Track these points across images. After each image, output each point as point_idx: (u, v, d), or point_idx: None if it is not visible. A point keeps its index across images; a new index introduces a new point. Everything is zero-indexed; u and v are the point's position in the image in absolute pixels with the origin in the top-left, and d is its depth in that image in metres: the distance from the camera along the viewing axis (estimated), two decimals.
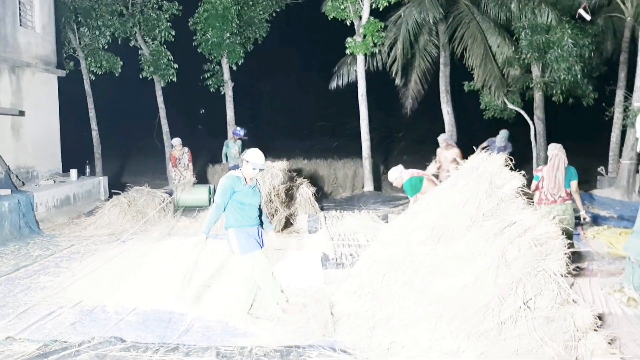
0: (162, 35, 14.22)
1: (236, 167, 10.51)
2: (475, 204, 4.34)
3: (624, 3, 12.06)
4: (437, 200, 4.66)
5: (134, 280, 5.76)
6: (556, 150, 6.74)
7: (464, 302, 3.88)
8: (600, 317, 4.66)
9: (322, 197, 12.38)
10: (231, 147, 11.76)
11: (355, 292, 4.70)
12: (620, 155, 11.86)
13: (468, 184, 4.49)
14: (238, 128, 11.99)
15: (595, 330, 3.89)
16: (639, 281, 5.39)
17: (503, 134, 10.42)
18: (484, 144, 10.28)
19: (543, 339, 3.62)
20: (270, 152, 13.71)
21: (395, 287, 4.37)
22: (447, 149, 9.08)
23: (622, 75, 12.77)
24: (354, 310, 4.58)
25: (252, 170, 4.86)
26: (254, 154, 4.89)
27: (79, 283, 5.83)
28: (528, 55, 12.03)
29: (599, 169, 12.53)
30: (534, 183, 6.76)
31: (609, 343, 3.88)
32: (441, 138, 9.46)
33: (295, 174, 9.91)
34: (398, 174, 6.81)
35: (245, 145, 11.90)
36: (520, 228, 4.14)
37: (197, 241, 4.73)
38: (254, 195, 4.95)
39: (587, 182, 13.47)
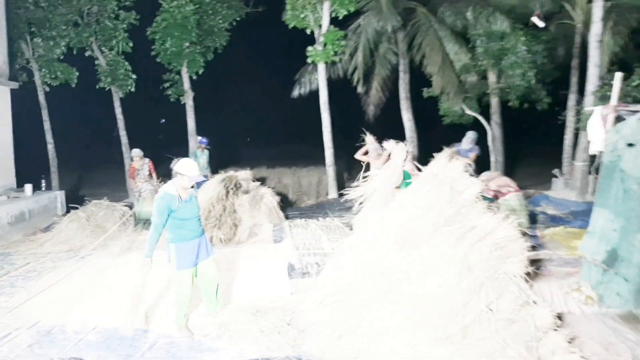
0: (120, 45, 13.94)
1: (205, 177, 10.39)
2: (437, 210, 4.41)
3: (574, 10, 12.54)
4: (400, 208, 4.71)
5: (94, 298, 5.61)
6: None
7: (429, 307, 3.92)
8: (559, 317, 4.79)
9: (287, 205, 12.35)
10: (199, 156, 11.63)
11: (321, 301, 4.69)
12: (573, 158, 12.28)
13: (429, 190, 4.57)
14: (199, 137, 11.90)
15: (555, 329, 3.99)
16: (595, 280, 5.57)
17: (470, 135, 10.08)
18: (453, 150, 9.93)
19: (506, 341, 3.70)
20: (234, 161, 13.66)
21: (361, 294, 4.38)
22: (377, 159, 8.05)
23: (574, 80, 13.22)
24: (321, 320, 4.56)
25: (188, 182, 4.74)
26: (188, 166, 4.73)
27: (35, 302, 5.62)
28: (484, 62, 12.38)
29: (553, 171, 12.92)
30: None
31: (569, 342, 3.99)
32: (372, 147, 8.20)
33: (259, 183, 9.85)
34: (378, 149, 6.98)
35: (211, 155, 11.80)
36: (481, 232, 4.23)
37: (142, 265, 4.61)
38: (192, 208, 4.84)
39: (542, 183, 13.90)
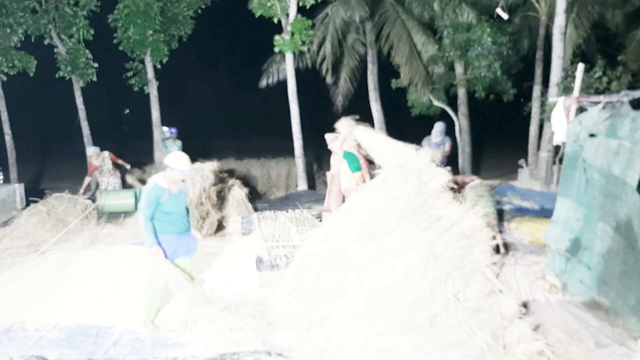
0: (80, 33, 13.46)
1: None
2: (404, 201, 4.41)
3: (538, 3, 12.75)
4: (367, 198, 4.70)
5: (56, 294, 5.43)
6: None
7: (396, 297, 3.93)
8: (525, 305, 4.87)
9: (256, 197, 12.24)
10: (170, 146, 11.40)
11: (290, 293, 4.66)
12: (538, 148, 12.54)
13: (396, 181, 4.57)
14: (165, 128, 11.68)
15: (520, 318, 4.05)
16: (559, 268, 5.70)
17: (438, 127, 9.74)
18: (422, 144, 9.68)
19: (472, 330, 3.73)
20: (201, 152, 13.45)
21: (330, 286, 4.36)
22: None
23: (538, 71, 13.48)
24: (290, 312, 4.53)
25: (178, 176, 4.65)
26: (179, 159, 4.63)
27: None
28: (451, 54, 12.48)
29: (519, 162, 13.17)
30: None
31: (534, 330, 4.06)
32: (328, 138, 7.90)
33: (227, 174, 9.71)
34: (335, 138, 6.91)
35: (184, 146, 11.57)
36: (447, 222, 4.26)
37: (153, 254, 4.51)
38: (180, 202, 4.76)
39: (508, 174, 14.16)
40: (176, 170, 4.60)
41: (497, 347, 3.77)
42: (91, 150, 10.52)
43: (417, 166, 4.72)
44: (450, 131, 13.78)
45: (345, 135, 6.42)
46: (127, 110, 32.51)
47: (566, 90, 9.53)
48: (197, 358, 3.98)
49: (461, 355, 3.66)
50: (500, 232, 7.39)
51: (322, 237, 4.79)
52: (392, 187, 4.60)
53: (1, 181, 11.19)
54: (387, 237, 4.35)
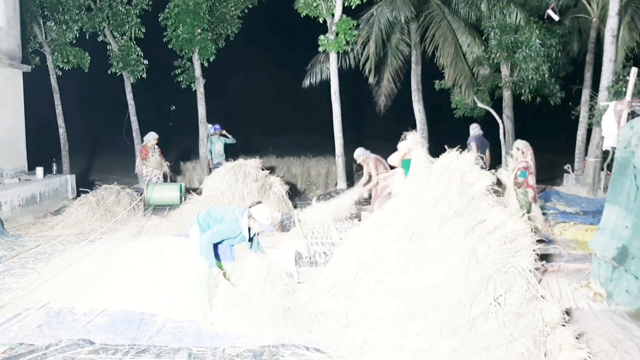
0: (132, 30, 13.93)
1: (219, 164, 10.47)
2: (446, 202, 4.37)
3: (589, 4, 12.38)
4: (409, 199, 4.69)
5: (103, 281, 5.64)
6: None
7: (435, 299, 3.91)
8: (567, 313, 4.76)
9: (295, 195, 12.37)
10: (215, 142, 11.70)
11: (328, 290, 4.69)
12: (586, 154, 12.18)
13: (440, 182, 4.53)
14: (210, 125, 11.97)
15: (563, 325, 3.96)
16: (604, 277, 5.54)
17: (474, 127, 10.47)
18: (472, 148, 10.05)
19: (513, 335, 3.68)
20: (243, 150, 13.66)
21: (368, 285, 4.38)
22: (365, 164, 8.60)
23: (587, 75, 13.09)
24: (328, 309, 4.57)
25: (256, 227, 4.85)
26: (262, 213, 4.79)
27: (45, 284, 5.66)
28: (497, 55, 12.25)
29: (565, 167, 12.83)
30: (520, 179, 6.93)
31: (577, 338, 3.97)
32: (357, 154, 8.76)
33: (268, 172, 9.86)
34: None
35: (227, 145, 11.86)
36: (491, 225, 4.20)
37: (214, 276, 4.75)
38: (242, 242, 5.01)
39: (553, 179, 13.80)
40: (257, 223, 4.80)
41: (538, 354, 3.72)
42: (154, 134, 10.87)
43: (461, 167, 4.67)
44: (494, 134, 13.57)
45: (407, 150, 6.63)
46: (174, 107, 33.28)
47: (617, 94, 9.23)
48: (237, 349, 4.07)
49: (500, 359, 3.62)
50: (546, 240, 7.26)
51: (361, 236, 4.80)
52: (435, 188, 4.57)
53: (54, 171, 11.67)
54: (428, 239, 4.33)
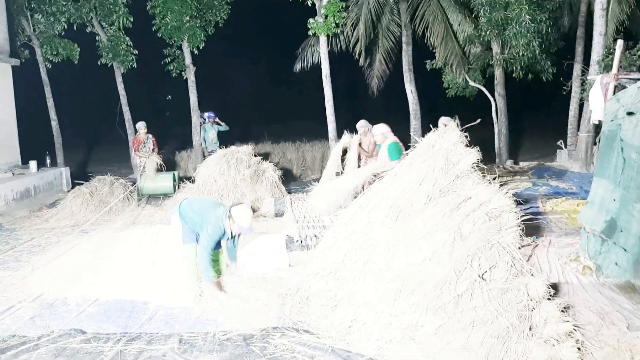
0: (120, 20, 13.79)
1: (213, 152, 10.47)
2: (431, 181, 4.39)
3: None
4: (395, 179, 4.71)
5: (96, 271, 5.68)
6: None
7: (422, 277, 3.94)
8: (556, 286, 4.83)
9: (291, 180, 12.39)
10: (208, 130, 11.69)
11: (317, 272, 4.73)
12: (578, 129, 12.17)
13: (425, 161, 4.55)
14: (206, 113, 11.93)
15: (549, 299, 4.00)
16: (593, 250, 5.58)
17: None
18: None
19: (498, 310, 3.71)
20: (239, 137, 13.66)
21: (356, 265, 4.41)
22: (365, 136, 8.31)
23: (579, 49, 13.03)
24: (317, 291, 4.61)
25: (236, 229, 4.95)
26: (241, 215, 4.86)
27: (39, 276, 5.70)
28: (487, 33, 12.18)
29: (558, 143, 12.84)
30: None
31: (563, 311, 4.00)
32: (360, 124, 8.46)
33: (261, 157, 9.87)
34: (386, 131, 7.34)
35: (220, 133, 11.83)
36: (475, 203, 4.22)
37: (211, 292, 4.84)
38: (230, 239, 5.18)
39: (546, 155, 13.83)
40: (236, 225, 4.88)
41: (523, 328, 3.75)
42: (141, 124, 10.81)
43: (446, 146, 4.68)
44: (487, 112, 13.56)
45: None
46: (169, 97, 33.09)
47: (607, 68, 9.20)
48: (228, 334, 4.12)
49: (486, 335, 3.66)
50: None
51: (349, 218, 4.83)
52: (419, 167, 4.58)
53: (48, 165, 11.67)
54: (414, 218, 4.35)
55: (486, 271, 3.95)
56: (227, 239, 5.19)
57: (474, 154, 4.56)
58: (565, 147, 12.79)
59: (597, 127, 10.57)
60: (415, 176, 4.52)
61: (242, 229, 4.92)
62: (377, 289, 4.11)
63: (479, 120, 5.22)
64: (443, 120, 7.32)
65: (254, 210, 8.80)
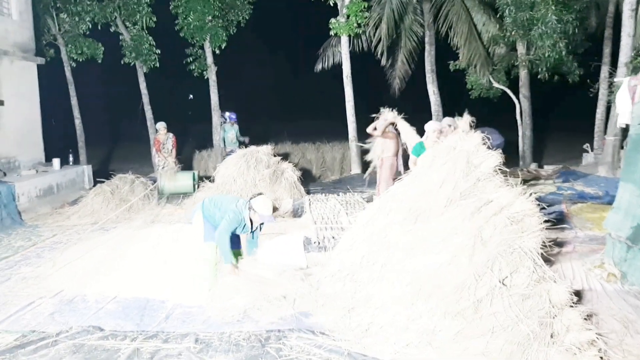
0: (143, 20, 13.97)
1: (232, 152, 10.48)
2: (452, 184, 4.33)
3: None
4: (414, 181, 4.65)
5: (116, 269, 5.71)
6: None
7: (440, 281, 3.88)
8: (579, 294, 4.69)
9: (310, 180, 12.36)
10: (228, 130, 11.70)
11: (334, 274, 4.70)
12: (605, 132, 11.90)
13: (445, 163, 4.48)
14: (227, 113, 11.94)
15: (572, 306, 3.89)
16: (618, 257, 5.42)
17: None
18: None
19: (518, 316, 3.62)
20: (260, 136, 13.67)
21: (374, 267, 4.36)
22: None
23: (606, 51, 12.75)
24: (334, 292, 4.58)
25: (257, 219, 5.05)
26: (262, 204, 4.98)
27: (60, 273, 5.76)
28: (512, 33, 11.99)
29: (584, 146, 12.57)
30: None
31: (586, 319, 3.89)
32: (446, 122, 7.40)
33: (280, 158, 9.86)
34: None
35: (242, 130, 11.82)
36: (497, 206, 4.14)
37: (231, 271, 4.98)
38: (246, 231, 5.24)
39: (572, 158, 13.55)
40: (257, 214, 4.99)
41: (544, 335, 3.65)
42: (161, 124, 10.87)
43: (467, 149, 4.61)
44: (511, 113, 13.35)
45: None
46: (191, 96, 33.37)
47: (636, 70, 8.99)
48: (243, 333, 4.10)
49: (505, 341, 3.57)
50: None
51: (367, 220, 4.78)
52: (440, 169, 4.52)
53: (71, 162, 11.84)
54: (433, 221, 4.29)
55: (507, 276, 3.87)
56: (247, 232, 5.25)
57: (496, 156, 4.48)
58: (592, 150, 12.52)
59: (625, 131, 10.32)
60: (435, 178, 4.46)
61: (264, 217, 5.00)
62: (395, 292, 4.05)
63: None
64: (446, 121, 7.12)
65: (273, 209, 8.83)
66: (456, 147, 4.64)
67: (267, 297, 4.78)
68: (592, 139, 13.00)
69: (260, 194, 5.13)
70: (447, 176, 4.40)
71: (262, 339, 4.02)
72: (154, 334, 4.15)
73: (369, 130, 8.05)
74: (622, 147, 10.82)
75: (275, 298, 4.75)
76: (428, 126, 6.73)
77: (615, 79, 9.45)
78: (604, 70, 12.65)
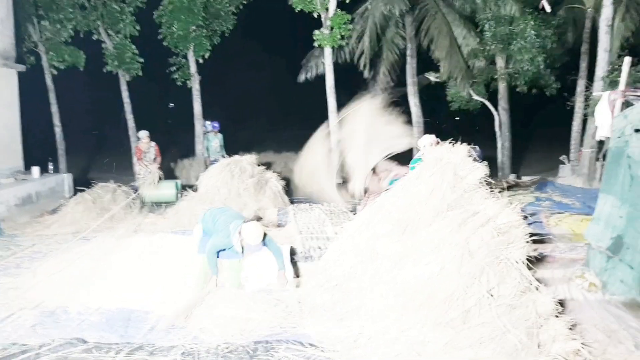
0: (126, 28, 13.87)
1: (216, 161, 10.41)
2: (439, 195, 4.37)
3: None
4: (402, 192, 4.69)
5: (98, 280, 5.61)
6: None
7: (429, 292, 3.91)
8: (562, 303, 4.77)
9: (293, 190, 12.33)
10: (211, 140, 11.63)
11: (322, 285, 4.70)
12: (581, 144, 12.17)
13: (432, 175, 4.53)
14: (208, 122, 11.89)
15: (557, 316, 3.96)
16: (599, 267, 5.54)
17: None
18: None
19: (506, 327, 3.68)
20: (242, 146, 13.64)
21: (362, 278, 4.38)
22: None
23: (583, 65, 13.06)
24: (322, 303, 4.57)
25: (245, 245, 5.02)
26: (249, 233, 4.95)
27: (40, 283, 5.63)
28: (492, 47, 12.25)
29: (561, 158, 12.82)
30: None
31: (570, 329, 3.96)
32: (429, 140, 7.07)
33: (264, 167, 9.84)
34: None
35: (225, 139, 11.77)
36: (484, 218, 4.19)
37: (214, 283, 5.04)
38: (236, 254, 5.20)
39: (549, 170, 13.80)
40: (245, 241, 4.98)
41: (531, 345, 3.71)
42: (143, 133, 10.67)
43: (454, 160, 4.67)
44: (489, 126, 13.57)
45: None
46: (172, 105, 33.19)
47: (612, 84, 9.22)
48: (230, 345, 4.07)
49: (494, 352, 3.62)
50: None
51: (355, 230, 4.81)
52: (427, 181, 4.57)
53: (51, 171, 11.63)
54: (421, 232, 4.33)
55: (494, 287, 3.92)
56: (239, 257, 5.25)
57: (482, 168, 4.55)
58: (569, 162, 12.78)
59: (600, 143, 10.58)
60: (423, 190, 4.50)
61: (250, 247, 4.99)
62: (384, 303, 4.07)
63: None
64: (431, 139, 6.88)
65: (257, 219, 8.80)
66: (443, 159, 4.70)
67: (254, 308, 4.76)
68: (569, 151, 13.27)
69: (254, 220, 5.16)
70: (434, 187, 4.45)
71: (250, 350, 4.00)
72: (139, 346, 4.10)
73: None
74: (597, 159, 11.08)
75: (263, 309, 4.73)
76: (422, 141, 6.84)
77: (593, 93, 9.70)
78: (581, 84, 12.96)
